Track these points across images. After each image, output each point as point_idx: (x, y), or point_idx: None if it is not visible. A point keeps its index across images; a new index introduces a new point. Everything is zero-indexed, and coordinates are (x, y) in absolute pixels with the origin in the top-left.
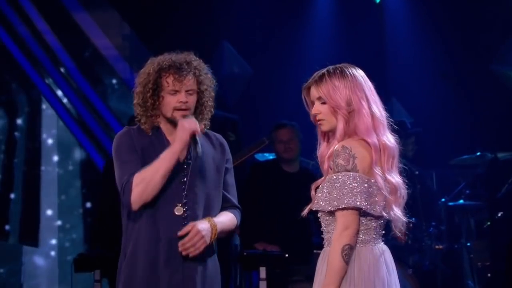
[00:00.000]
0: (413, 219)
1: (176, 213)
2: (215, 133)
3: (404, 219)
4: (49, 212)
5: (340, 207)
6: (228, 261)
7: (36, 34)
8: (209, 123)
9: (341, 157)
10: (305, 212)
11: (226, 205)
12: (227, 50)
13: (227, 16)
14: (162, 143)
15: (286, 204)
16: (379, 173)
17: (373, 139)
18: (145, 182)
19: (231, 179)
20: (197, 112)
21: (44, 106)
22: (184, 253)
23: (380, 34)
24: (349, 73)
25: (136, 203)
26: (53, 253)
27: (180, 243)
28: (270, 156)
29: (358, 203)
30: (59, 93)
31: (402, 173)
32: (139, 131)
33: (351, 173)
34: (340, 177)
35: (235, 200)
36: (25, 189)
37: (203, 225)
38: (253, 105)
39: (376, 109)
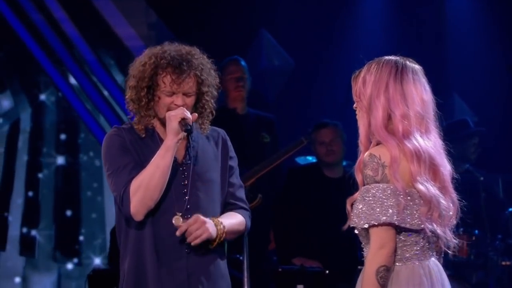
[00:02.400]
0: (476, 231)
1: (175, 224)
2: (216, 128)
3: (440, 231)
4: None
5: (371, 224)
6: (263, 278)
7: (53, 22)
8: (209, 126)
9: (369, 167)
10: (345, 227)
11: (232, 207)
12: (266, 40)
13: (266, 1)
14: (157, 145)
15: (328, 214)
16: (399, 180)
17: (389, 141)
18: (143, 188)
19: (237, 179)
20: (197, 114)
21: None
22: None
23: (440, 22)
24: (382, 65)
25: (138, 212)
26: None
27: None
28: (314, 160)
29: (389, 218)
30: (77, 86)
31: (462, 179)
32: (130, 131)
33: (381, 185)
34: (370, 189)
35: (243, 203)
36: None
37: (206, 219)
38: (294, 102)
39: (397, 107)
